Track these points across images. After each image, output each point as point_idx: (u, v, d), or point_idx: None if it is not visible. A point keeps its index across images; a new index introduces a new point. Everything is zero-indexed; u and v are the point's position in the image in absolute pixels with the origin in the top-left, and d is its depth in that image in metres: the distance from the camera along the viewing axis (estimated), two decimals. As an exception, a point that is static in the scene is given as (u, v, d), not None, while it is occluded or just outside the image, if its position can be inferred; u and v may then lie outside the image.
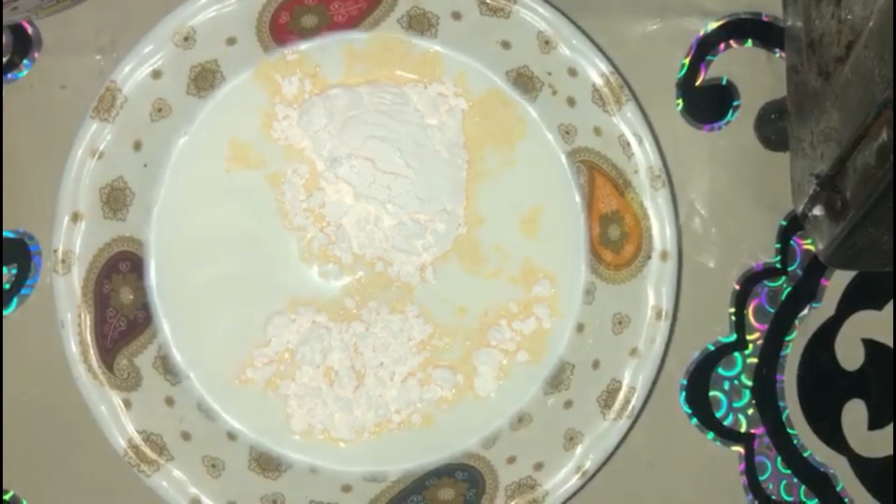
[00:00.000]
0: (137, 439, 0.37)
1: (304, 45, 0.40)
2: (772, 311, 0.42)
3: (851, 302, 0.42)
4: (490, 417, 0.39)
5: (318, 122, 0.39)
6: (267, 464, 0.39)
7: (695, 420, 0.41)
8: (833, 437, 0.42)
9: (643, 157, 0.38)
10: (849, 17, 0.34)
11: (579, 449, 0.38)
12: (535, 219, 0.40)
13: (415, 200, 0.39)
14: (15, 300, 0.40)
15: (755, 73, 0.42)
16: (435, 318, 0.40)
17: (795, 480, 0.42)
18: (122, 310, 0.38)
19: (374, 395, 0.39)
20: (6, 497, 0.40)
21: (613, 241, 0.39)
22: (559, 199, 0.40)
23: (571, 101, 0.39)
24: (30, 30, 0.41)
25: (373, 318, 0.40)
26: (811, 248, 0.42)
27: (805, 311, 0.42)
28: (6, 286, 0.40)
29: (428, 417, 0.40)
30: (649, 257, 0.38)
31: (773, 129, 0.42)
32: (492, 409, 0.39)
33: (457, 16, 0.39)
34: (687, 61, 0.42)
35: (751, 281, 0.42)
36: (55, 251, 0.37)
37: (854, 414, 0.42)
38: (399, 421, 0.39)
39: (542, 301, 0.40)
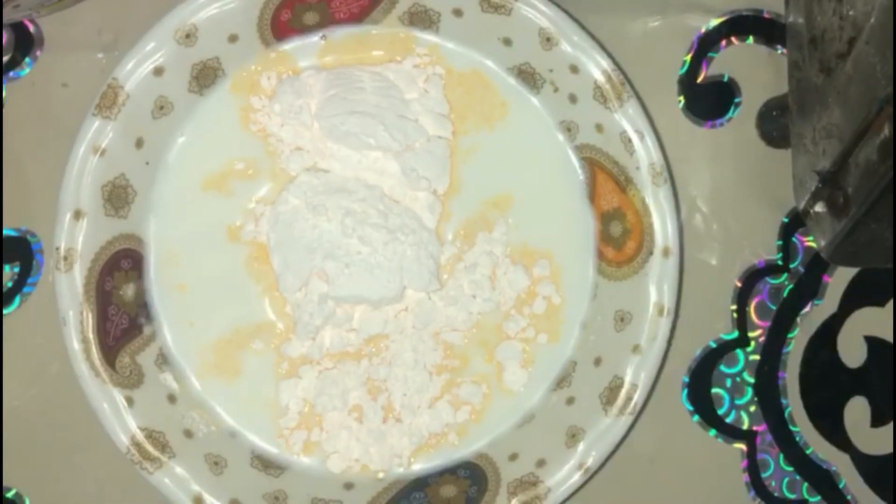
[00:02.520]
0: (140, 437, 0.37)
1: (287, 45, 0.39)
2: (774, 308, 0.42)
3: (854, 299, 0.42)
4: (524, 406, 0.39)
5: (294, 102, 0.39)
6: (269, 461, 0.39)
7: (697, 417, 0.41)
8: (835, 434, 0.42)
9: (644, 153, 0.38)
10: (850, 13, 0.34)
11: (581, 446, 0.38)
12: (523, 200, 0.40)
13: (400, 183, 0.39)
14: (17, 298, 0.41)
15: (756, 70, 0.42)
16: (443, 337, 0.40)
17: (798, 478, 0.42)
18: (123, 307, 0.38)
19: (406, 423, 0.39)
20: (9, 495, 0.40)
21: (615, 238, 0.39)
22: (563, 193, 0.40)
23: (573, 98, 0.39)
24: (31, 28, 0.41)
25: (382, 352, 0.39)
26: (813, 245, 0.42)
27: (807, 308, 0.42)
28: (8, 284, 0.41)
29: (463, 430, 0.39)
30: (651, 254, 0.38)
31: (775, 125, 0.42)
32: (524, 399, 0.39)
33: (458, 13, 0.39)
34: (688, 58, 0.42)
35: (753, 278, 0.42)
36: (57, 249, 0.37)
37: (856, 411, 0.42)
38: (435, 443, 0.39)
39: (545, 280, 0.40)
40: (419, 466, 0.39)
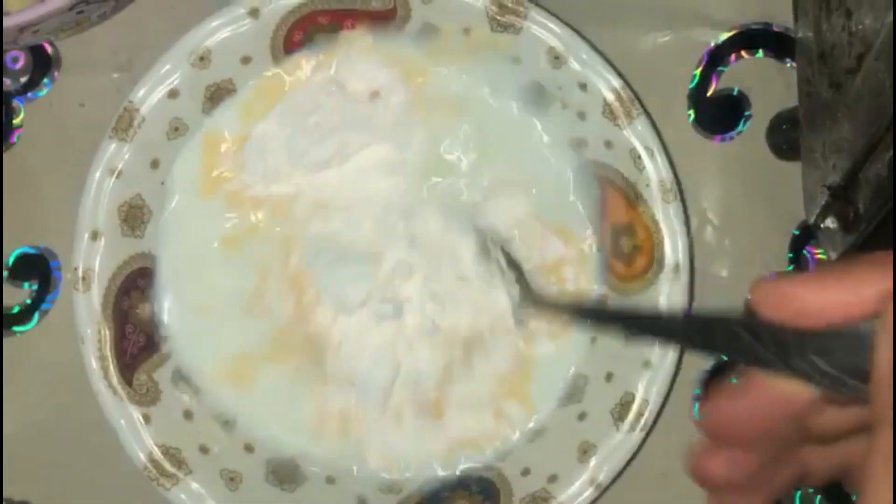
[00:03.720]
0: (157, 453, 0.37)
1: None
2: (785, 321, 0.42)
3: (866, 311, 0.42)
4: (554, 379, 0.39)
5: (263, 164, 0.39)
6: (284, 476, 0.39)
7: (709, 430, 0.41)
8: (849, 447, 0.42)
9: (654, 170, 0.38)
10: (860, 28, 0.34)
11: (593, 461, 0.38)
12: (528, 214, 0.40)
13: None
14: (36, 315, 0.41)
15: (766, 84, 0.42)
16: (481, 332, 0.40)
17: (811, 490, 0.41)
18: (140, 325, 0.39)
19: (440, 422, 0.39)
20: (28, 510, 0.41)
21: (625, 254, 0.39)
22: (570, 211, 0.40)
23: (582, 115, 0.39)
24: (49, 49, 0.42)
25: (425, 353, 0.39)
26: (824, 257, 0.42)
27: (819, 321, 0.42)
28: (27, 301, 0.41)
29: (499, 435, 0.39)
30: (661, 270, 0.38)
31: (785, 138, 0.42)
32: (552, 371, 0.39)
33: (467, 32, 0.39)
34: (698, 72, 0.42)
35: (764, 291, 0.42)
36: (75, 269, 0.37)
37: (870, 425, 0.42)
38: (470, 442, 0.39)
39: (567, 263, 0.40)
40: (453, 468, 0.39)
